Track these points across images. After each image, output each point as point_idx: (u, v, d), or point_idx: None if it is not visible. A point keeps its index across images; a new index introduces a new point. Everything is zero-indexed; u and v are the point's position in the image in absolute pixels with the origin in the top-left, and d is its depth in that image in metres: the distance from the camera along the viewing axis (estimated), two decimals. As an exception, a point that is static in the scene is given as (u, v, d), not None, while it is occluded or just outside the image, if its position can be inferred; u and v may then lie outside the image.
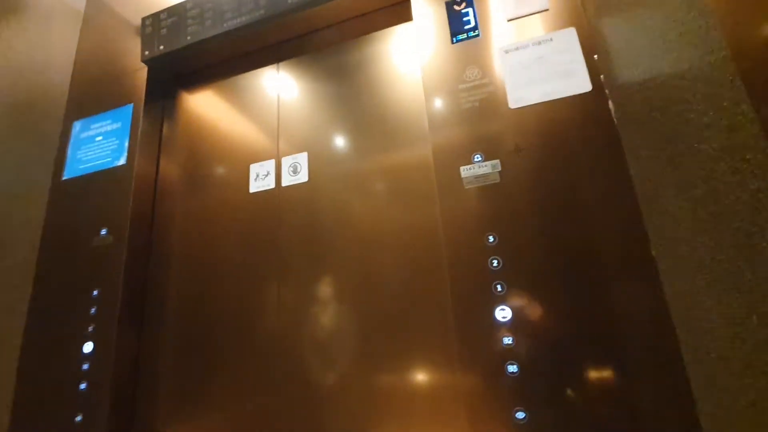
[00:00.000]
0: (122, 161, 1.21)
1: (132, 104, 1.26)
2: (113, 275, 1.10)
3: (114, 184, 1.19)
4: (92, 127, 1.32)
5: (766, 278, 0.41)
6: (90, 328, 1.08)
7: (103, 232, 1.16)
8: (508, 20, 0.87)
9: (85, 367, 1.05)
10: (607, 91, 0.75)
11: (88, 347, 1.06)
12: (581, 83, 0.77)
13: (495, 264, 0.75)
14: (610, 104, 0.74)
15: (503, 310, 0.72)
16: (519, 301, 0.72)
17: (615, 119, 0.73)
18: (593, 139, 0.75)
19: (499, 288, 0.74)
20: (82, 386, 1.04)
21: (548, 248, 0.73)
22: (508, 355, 0.70)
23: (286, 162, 1.09)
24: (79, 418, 1.02)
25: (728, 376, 0.50)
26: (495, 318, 0.73)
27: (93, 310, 1.09)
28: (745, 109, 0.39)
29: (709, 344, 0.54)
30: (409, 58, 1.04)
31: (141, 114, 1.23)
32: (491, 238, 0.77)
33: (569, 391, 0.67)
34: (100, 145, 1.28)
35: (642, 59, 0.61)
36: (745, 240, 0.43)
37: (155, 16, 1.25)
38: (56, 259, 1.19)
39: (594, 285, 0.70)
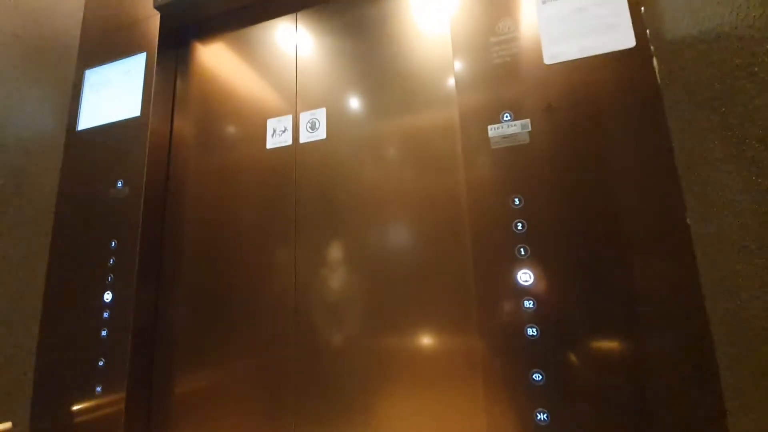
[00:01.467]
0: (136, 112, 1.18)
1: (145, 53, 1.22)
2: (130, 227, 1.11)
3: (128, 136, 1.18)
4: (105, 75, 1.29)
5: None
6: (109, 278, 1.10)
7: (119, 184, 1.16)
8: (548, -33, 0.80)
9: (106, 315, 1.08)
10: (652, 47, 0.70)
11: (107, 296, 1.08)
12: (624, 38, 0.72)
13: (519, 227, 0.73)
14: (655, 62, 0.69)
15: (525, 273, 0.71)
16: (542, 265, 0.71)
17: (659, 78, 0.68)
18: (633, 99, 0.71)
19: (522, 251, 0.72)
20: (104, 333, 1.07)
21: (576, 213, 0.71)
22: (528, 318, 0.70)
23: (305, 118, 1.06)
24: (101, 363, 1.05)
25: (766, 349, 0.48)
26: (516, 281, 0.72)
27: (111, 261, 1.10)
28: (827, 58, 0.36)
29: (744, 314, 0.52)
30: (437, 10, 0.98)
31: (154, 63, 1.19)
32: (516, 201, 0.74)
33: (588, 357, 0.66)
34: (113, 95, 1.26)
35: (697, 10, 0.56)
36: (803, 205, 0.40)
37: (168, -41, 1.19)
38: (74, 210, 1.20)
39: (621, 252, 0.68)
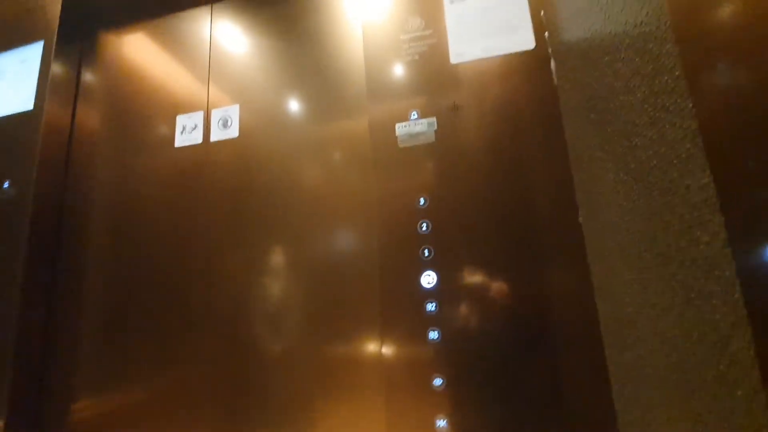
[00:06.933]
0: (29, 105, 1.07)
1: (42, 41, 1.10)
2: (16, 232, 0.99)
3: (18, 131, 1.06)
4: (-3, 65, 1.16)
5: (675, 238, 0.38)
6: (-13, 293, 0.97)
7: (5, 184, 1.03)
8: (456, -33, 0.80)
9: (-18, 335, 0.95)
10: (549, 49, 0.71)
11: (-14, 312, 0.95)
12: (525, 40, 0.73)
13: (424, 228, 0.71)
14: (552, 64, 0.70)
15: (428, 275, 0.69)
16: (445, 266, 0.69)
17: (555, 79, 0.69)
18: (533, 98, 0.71)
19: (426, 252, 0.70)
20: (-21, 354, 0.93)
21: (479, 212, 0.70)
22: (431, 321, 0.67)
23: (216, 114, 0.99)
24: (-25, 388, 0.92)
25: (646, 348, 0.48)
26: (420, 284, 0.69)
27: (-8, 271, 0.98)
28: (670, 49, 0.36)
29: (627, 313, 0.52)
30: (354, 10, 0.95)
31: (52, 53, 1.08)
32: (422, 201, 0.72)
33: (489, 359, 0.65)
34: (6, 87, 1.13)
35: (585, 13, 0.56)
36: (660, 198, 0.40)
37: (69, -60, 1.09)
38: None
39: (524, 252, 0.67)
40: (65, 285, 1.05)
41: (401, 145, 0.75)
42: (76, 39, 1.17)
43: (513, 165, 0.70)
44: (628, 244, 0.48)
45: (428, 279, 0.69)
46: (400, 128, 0.75)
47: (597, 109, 0.51)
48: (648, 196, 0.42)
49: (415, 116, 0.75)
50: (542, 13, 0.74)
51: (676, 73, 0.35)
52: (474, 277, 0.68)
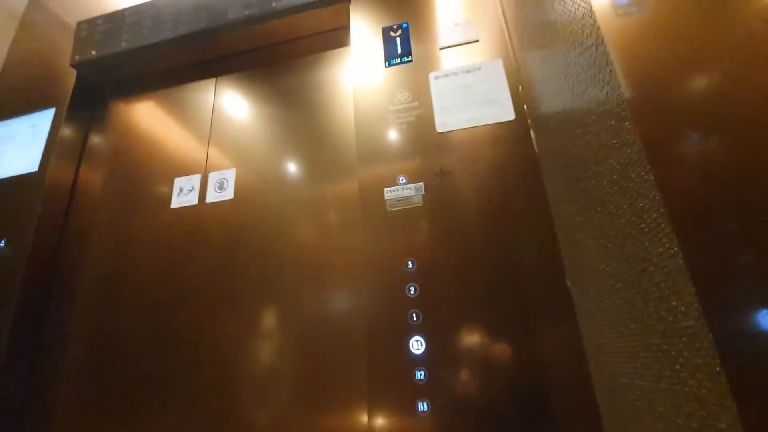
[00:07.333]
0: (34, 168, 1.11)
1: (55, 108, 1.17)
2: (5, 292, 0.98)
3: (21, 192, 1.08)
4: (9, 129, 1.21)
5: (655, 307, 0.38)
6: (-27, 352, 0.94)
7: (2, 243, 1.04)
8: (441, 48, 0.87)
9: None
10: (529, 120, 0.75)
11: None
12: (505, 112, 0.77)
13: (412, 291, 0.70)
14: (532, 133, 0.74)
15: (417, 340, 0.67)
16: (434, 331, 0.67)
17: (536, 147, 0.73)
18: (515, 166, 0.74)
19: (414, 317, 0.69)
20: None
21: (468, 275, 0.70)
22: (420, 391, 0.64)
23: (213, 178, 1.02)
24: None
25: (643, 423, 0.46)
26: (408, 350, 0.67)
27: (-25, 329, 0.95)
28: (628, 126, 0.38)
29: (621, 383, 0.50)
30: (347, 83, 1.02)
31: (63, 119, 1.14)
32: (411, 264, 0.72)
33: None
34: (15, 149, 1.18)
35: (556, 92, 0.61)
36: (636, 265, 0.41)
37: (91, 21, 1.20)
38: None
39: (514, 317, 0.66)
40: (51, 345, 1.02)
41: (390, 209, 0.77)
42: (87, 106, 1.24)
43: (500, 229, 0.71)
44: (613, 310, 0.48)
45: (417, 344, 0.67)
46: (389, 193, 0.78)
47: (573, 177, 0.53)
48: (626, 263, 0.43)
49: (404, 181, 0.78)
50: (520, 88, 0.79)
51: (636, 148, 0.37)
52: (464, 343, 0.66)
